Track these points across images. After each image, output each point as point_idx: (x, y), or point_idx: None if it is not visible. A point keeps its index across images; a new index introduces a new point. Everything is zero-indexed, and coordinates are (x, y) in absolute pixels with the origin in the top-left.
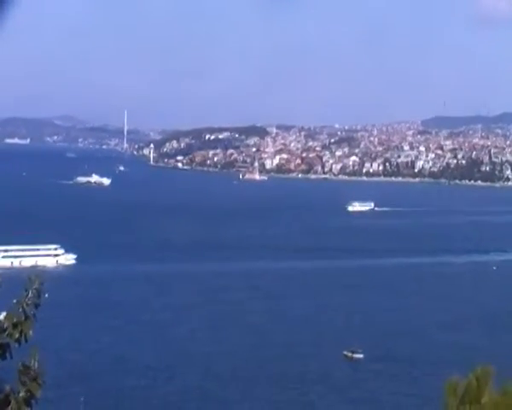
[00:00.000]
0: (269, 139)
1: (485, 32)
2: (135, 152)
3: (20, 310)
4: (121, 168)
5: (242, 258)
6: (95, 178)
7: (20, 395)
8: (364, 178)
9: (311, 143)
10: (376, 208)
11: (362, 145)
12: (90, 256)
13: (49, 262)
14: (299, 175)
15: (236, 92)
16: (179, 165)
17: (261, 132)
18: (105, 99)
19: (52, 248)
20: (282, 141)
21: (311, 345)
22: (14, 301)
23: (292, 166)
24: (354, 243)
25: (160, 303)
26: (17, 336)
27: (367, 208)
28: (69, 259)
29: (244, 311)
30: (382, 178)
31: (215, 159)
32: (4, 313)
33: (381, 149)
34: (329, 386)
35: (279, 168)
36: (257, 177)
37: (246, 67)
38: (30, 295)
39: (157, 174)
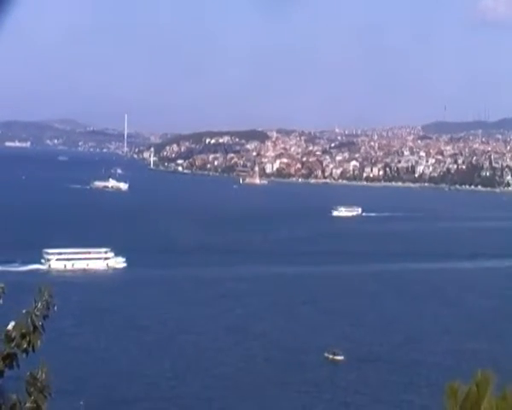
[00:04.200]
0: (269, 143)
1: (484, 35)
2: (135, 155)
3: (29, 321)
4: (119, 171)
5: (245, 262)
6: (112, 183)
7: (27, 405)
8: (364, 182)
9: (311, 148)
10: (364, 214)
11: (362, 150)
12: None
13: (100, 265)
14: (300, 179)
15: (237, 96)
16: (179, 169)
17: (261, 137)
18: (105, 103)
19: (102, 251)
20: (283, 145)
21: (303, 348)
22: (24, 311)
23: (292, 170)
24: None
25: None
26: (25, 346)
27: (354, 214)
28: (119, 262)
29: (245, 316)
30: (382, 183)
31: (215, 163)
32: (13, 323)
33: (381, 153)
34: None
35: (279, 172)
36: (257, 181)
37: (246, 70)
38: (39, 306)
39: (157, 178)
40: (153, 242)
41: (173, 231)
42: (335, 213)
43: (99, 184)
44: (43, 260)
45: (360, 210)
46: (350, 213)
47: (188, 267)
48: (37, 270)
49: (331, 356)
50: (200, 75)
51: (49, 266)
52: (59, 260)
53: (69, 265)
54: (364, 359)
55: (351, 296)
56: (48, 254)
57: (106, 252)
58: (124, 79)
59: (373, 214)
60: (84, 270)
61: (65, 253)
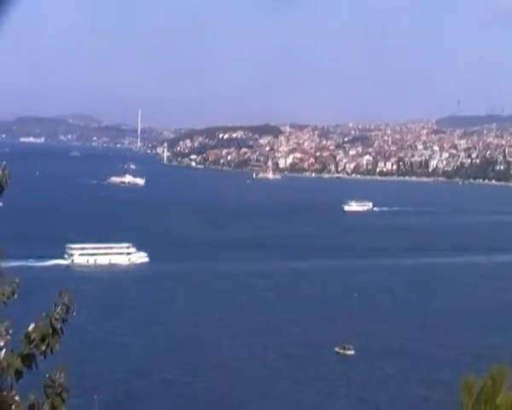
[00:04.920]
0: (282, 138)
1: (498, 29)
2: (148, 151)
3: (49, 324)
4: (132, 167)
5: (260, 257)
6: (128, 179)
7: (44, 406)
8: (378, 177)
9: (324, 142)
10: (375, 208)
11: (375, 144)
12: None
13: (122, 260)
14: (313, 174)
15: (249, 92)
16: (193, 164)
17: (275, 131)
18: (119, 98)
19: (125, 246)
20: (296, 140)
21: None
22: (44, 314)
23: (305, 165)
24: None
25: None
26: (43, 348)
27: (365, 208)
28: (141, 257)
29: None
30: (396, 178)
31: (229, 158)
32: (33, 325)
33: (394, 148)
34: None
35: (293, 167)
36: (270, 176)
37: (258, 66)
38: (59, 309)
39: (172, 173)
40: (172, 236)
41: (191, 225)
42: (347, 208)
43: (115, 179)
44: (65, 256)
45: (371, 205)
46: (361, 208)
47: (206, 262)
48: (60, 265)
49: (342, 351)
50: (212, 71)
51: (72, 261)
52: (82, 256)
53: (92, 260)
54: (376, 353)
55: (365, 291)
56: (71, 249)
57: (128, 247)
58: (137, 74)
59: (385, 209)
60: (107, 265)
61: (87, 248)
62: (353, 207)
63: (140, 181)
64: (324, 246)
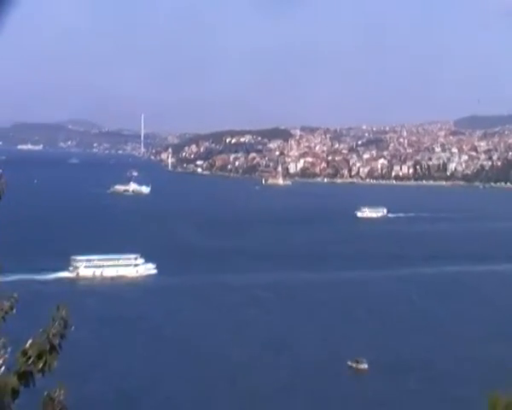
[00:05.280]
0: (293, 142)
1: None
2: (152, 157)
3: (46, 340)
4: (135, 174)
5: (270, 268)
6: (133, 187)
7: None
8: (393, 181)
9: (337, 146)
10: (390, 215)
11: (391, 147)
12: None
13: (130, 272)
14: (325, 179)
15: (255, 93)
16: (199, 170)
17: (285, 135)
18: (120, 102)
19: (132, 257)
20: (307, 144)
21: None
22: (40, 330)
23: (317, 169)
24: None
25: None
26: (41, 366)
27: (378, 214)
28: (149, 268)
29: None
30: (412, 182)
31: (236, 163)
32: (30, 341)
33: (410, 151)
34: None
35: (303, 172)
36: (280, 182)
37: (261, 66)
38: (56, 324)
39: (177, 180)
40: (181, 246)
41: (199, 235)
42: (359, 214)
43: (119, 187)
44: (70, 268)
45: (385, 211)
46: (374, 215)
47: (215, 273)
48: (64, 278)
49: (355, 365)
50: (214, 72)
51: (77, 273)
52: (87, 268)
53: (98, 272)
54: (390, 368)
55: (381, 301)
56: (76, 261)
57: (135, 258)
58: (137, 76)
59: (401, 215)
60: (114, 277)
61: (93, 260)
62: (366, 213)
63: (145, 189)
64: (335, 254)
